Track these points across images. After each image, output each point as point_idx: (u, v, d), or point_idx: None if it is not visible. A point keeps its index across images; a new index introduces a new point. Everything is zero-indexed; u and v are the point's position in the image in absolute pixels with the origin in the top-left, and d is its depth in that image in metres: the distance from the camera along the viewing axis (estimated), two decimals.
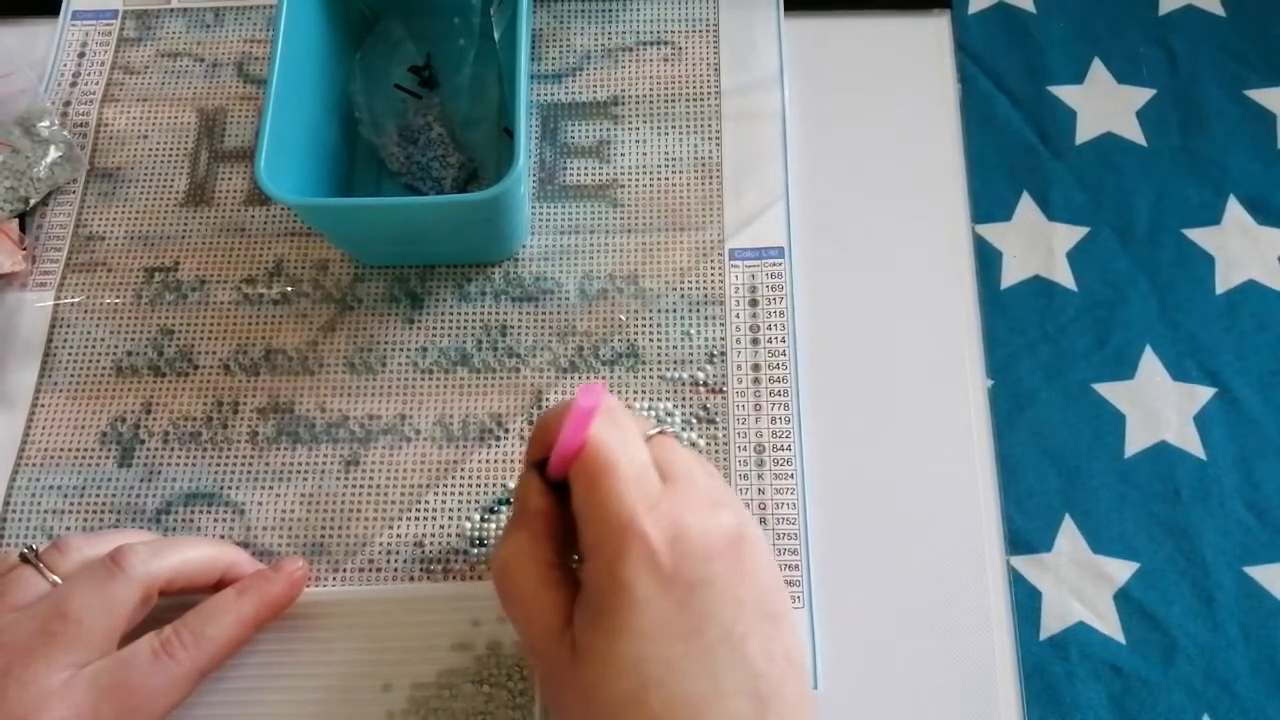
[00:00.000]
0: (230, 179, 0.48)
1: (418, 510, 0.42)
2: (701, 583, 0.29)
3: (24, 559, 0.35)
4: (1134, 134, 0.48)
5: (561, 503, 0.32)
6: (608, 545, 0.29)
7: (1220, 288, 0.46)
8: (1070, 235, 0.47)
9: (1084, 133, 0.49)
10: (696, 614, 0.29)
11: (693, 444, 0.42)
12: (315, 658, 0.38)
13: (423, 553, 0.41)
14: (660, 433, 0.34)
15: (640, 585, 0.29)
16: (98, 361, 0.45)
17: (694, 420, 0.43)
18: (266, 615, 0.37)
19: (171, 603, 0.36)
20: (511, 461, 0.42)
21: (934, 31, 0.50)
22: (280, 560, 0.39)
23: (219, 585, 0.37)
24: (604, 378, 0.44)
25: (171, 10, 0.52)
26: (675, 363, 0.44)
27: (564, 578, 0.32)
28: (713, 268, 0.45)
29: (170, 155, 0.49)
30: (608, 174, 0.47)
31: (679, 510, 0.30)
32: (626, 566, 0.29)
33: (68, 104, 0.50)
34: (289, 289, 0.46)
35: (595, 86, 0.49)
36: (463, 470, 0.42)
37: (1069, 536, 0.42)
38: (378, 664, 0.38)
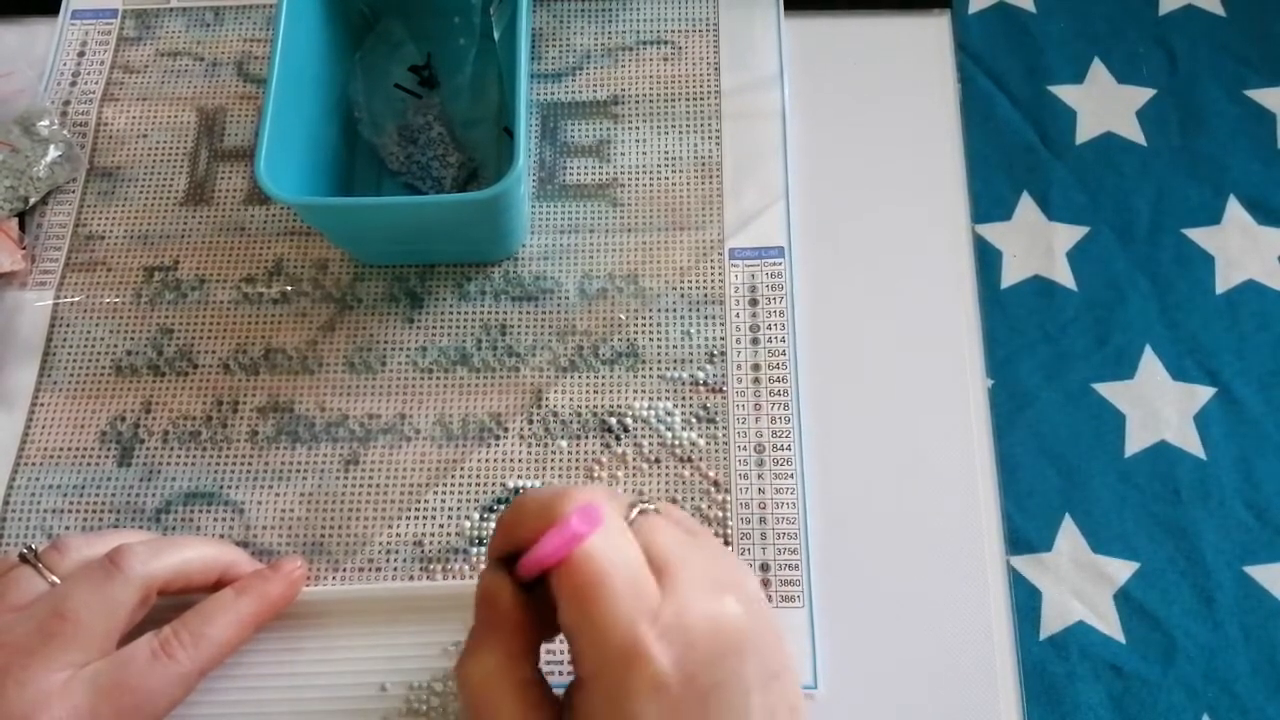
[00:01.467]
0: (230, 178, 0.48)
1: (417, 509, 0.42)
2: (714, 688, 0.27)
3: (23, 559, 0.35)
4: (1134, 134, 0.48)
5: (533, 597, 0.29)
6: (608, 674, 0.26)
7: (1220, 287, 0.46)
8: (1070, 235, 0.47)
9: (1084, 132, 0.49)
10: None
11: (692, 444, 0.42)
12: (314, 657, 0.38)
13: (422, 552, 0.41)
14: (641, 513, 0.30)
15: (649, 712, 0.26)
16: (97, 361, 0.45)
17: (694, 420, 0.43)
18: (266, 615, 0.37)
19: (170, 603, 0.36)
20: (511, 461, 0.42)
21: (934, 31, 0.50)
22: (279, 559, 0.39)
23: (218, 585, 0.37)
24: (603, 377, 0.44)
25: (171, 10, 0.52)
26: (675, 362, 0.44)
27: (544, 697, 0.29)
28: (713, 267, 0.45)
29: (170, 155, 0.49)
30: (607, 173, 0.47)
31: (683, 612, 0.27)
32: (634, 699, 0.26)
33: (67, 103, 0.50)
34: (289, 288, 0.46)
35: (595, 86, 0.49)
36: (462, 470, 0.42)
37: (1069, 536, 0.42)
38: (376, 663, 0.38)
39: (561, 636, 0.29)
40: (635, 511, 0.30)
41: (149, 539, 0.37)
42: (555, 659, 0.38)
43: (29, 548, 0.35)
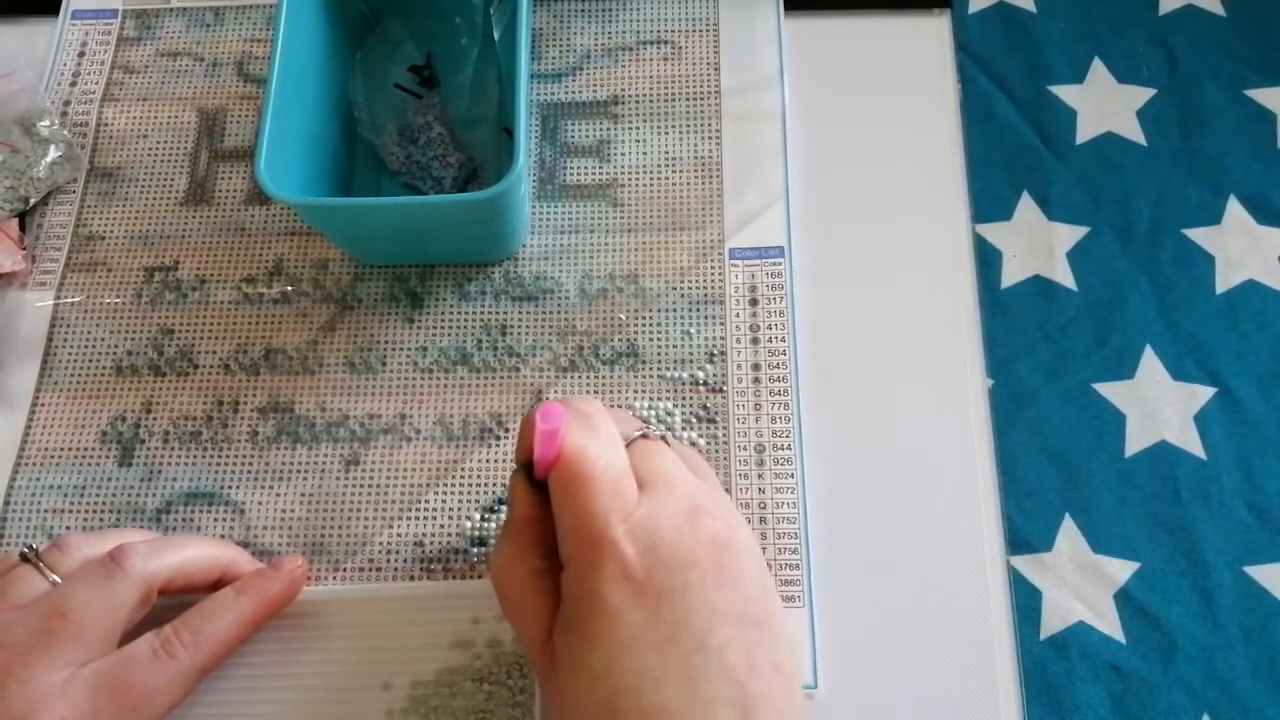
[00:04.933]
0: (230, 178, 0.48)
1: (418, 510, 0.42)
2: (674, 591, 0.29)
3: (24, 558, 0.35)
4: (1134, 134, 0.48)
5: (550, 504, 0.32)
6: (583, 556, 0.30)
7: (1220, 287, 0.46)
8: (1070, 235, 0.47)
9: (1084, 132, 0.49)
10: (670, 623, 0.29)
11: (693, 443, 0.42)
12: (315, 656, 0.38)
13: (423, 552, 0.41)
14: (643, 436, 0.34)
15: (613, 595, 0.29)
16: (98, 361, 0.45)
17: (694, 420, 0.43)
18: (266, 614, 0.37)
19: (171, 602, 0.36)
20: (511, 461, 0.42)
21: (934, 31, 0.50)
22: (280, 559, 0.39)
23: (218, 584, 0.37)
24: (604, 377, 0.44)
25: (171, 10, 0.52)
26: (675, 362, 0.44)
27: (552, 585, 0.32)
28: (713, 267, 0.45)
29: (170, 155, 0.49)
30: (608, 173, 0.47)
31: (654, 518, 0.30)
32: (600, 577, 0.29)
33: (67, 103, 0.50)
34: (289, 288, 0.46)
35: (595, 86, 0.49)
36: (463, 470, 0.42)
37: (1069, 536, 0.42)
38: (377, 662, 0.38)
39: None
40: (637, 433, 0.34)
41: (150, 538, 0.37)
42: None
43: (30, 547, 0.35)
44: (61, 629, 0.33)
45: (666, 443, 0.34)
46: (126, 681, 0.33)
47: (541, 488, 0.32)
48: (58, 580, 0.34)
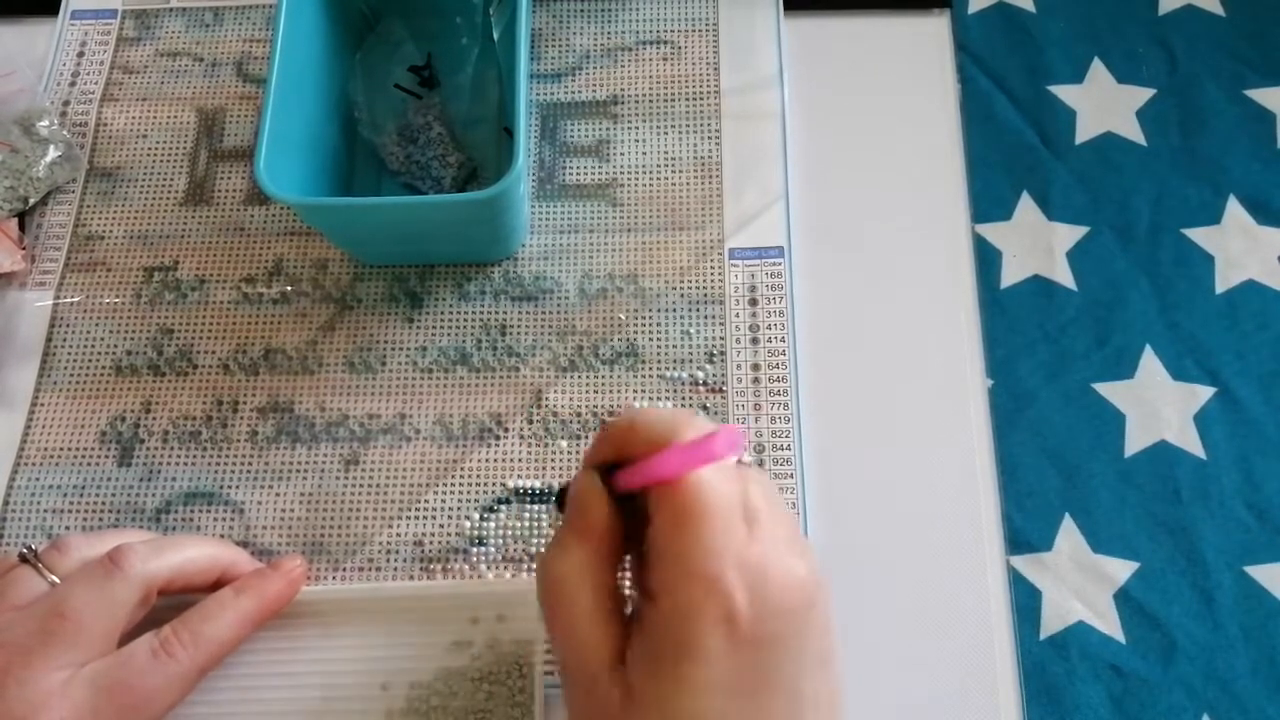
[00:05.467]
0: (230, 178, 0.48)
1: (417, 509, 0.42)
2: (774, 639, 0.28)
3: (23, 559, 0.35)
4: (1134, 134, 0.48)
5: (624, 513, 0.30)
6: (684, 593, 0.27)
7: (1220, 287, 0.46)
8: (1070, 235, 0.47)
9: (1084, 132, 0.49)
10: (764, 671, 0.28)
11: None
12: (313, 656, 0.38)
13: (422, 552, 0.41)
14: (740, 461, 0.31)
15: (712, 638, 0.27)
16: (97, 361, 0.45)
17: None
18: (266, 614, 0.37)
19: (170, 602, 0.36)
20: (511, 460, 0.42)
21: (934, 31, 0.50)
22: (279, 559, 0.39)
23: (217, 585, 0.37)
24: (603, 377, 0.44)
25: (171, 10, 0.52)
26: (675, 362, 0.44)
27: (620, 607, 0.30)
28: (712, 267, 0.45)
29: (169, 155, 0.49)
30: (607, 173, 0.47)
31: (765, 561, 0.28)
32: (702, 619, 0.27)
33: (67, 103, 0.50)
34: (289, 288, 0.46)
35: (595, 86, 0.49)
36: (462, 469, 0.42)
37: (1069, 536, 0.42)
38: (376, 662, 0.38)
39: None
40: (736, 459, 0.31)
41: (149, 538, 0.37)
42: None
43: (29, 548, 0.35)
44: (61, 629, 0.33)
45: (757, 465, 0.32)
46: (126, 682, 0.33)
47: (620, 498, 0.30)
48: (57, 581, 0.34)
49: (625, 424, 0.31)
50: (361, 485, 0.42)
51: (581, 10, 0.51)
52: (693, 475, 0.28)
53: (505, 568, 0.41)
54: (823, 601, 0.29)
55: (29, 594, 0.34)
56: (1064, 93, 0.49)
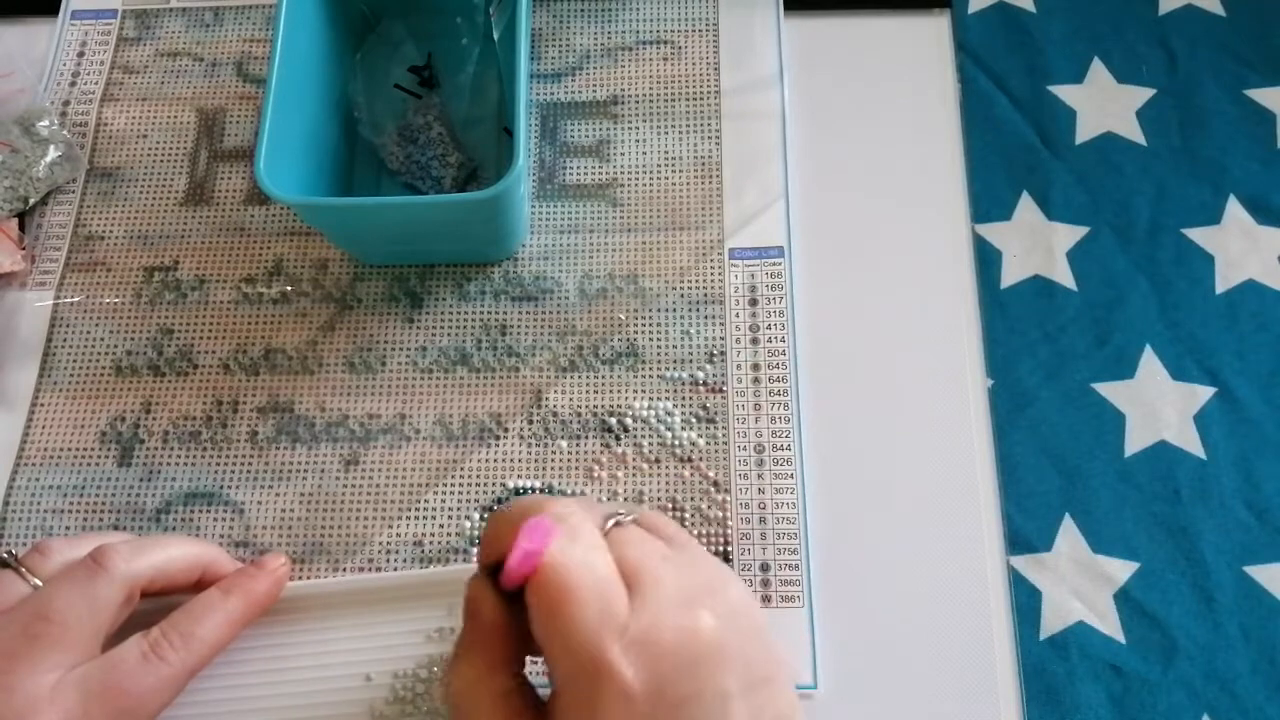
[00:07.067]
0: (230, 178, 0.48)
1: (417, 510, 0.42)
2: (685, 700, 0.27)
3: (3, 563, 0.34)
4: (1134, 134, 0.48)
5: (520, 607, 0.29)
6: (578, 683, 0.27)
7: (1220, 287, 0.46)
8: (1070, 235, 0.47)
9: (1084, 132, 0.49)
10: None
11: (693, 444, 0.42)
12: (296, 650, 0.38)
13: (422, 552, 0.41)
14: (616, 524, 0.30)
15: None
16: (97, 361, 0.45)
17: (694, 420, 0.43)
18: (253, 613, 0.37)
19: (153, 605, 0.36)
20: (511, 461, 0.42)
21: (934, 31, 0.50)
22: (262, 557, 0.39)
23: (199, 584, 0.37)
24: (603, 377, 0.44)
25: (171, 10, 0.52)
26: (675, 362, 0.44)
27: (524, 706, 0.29)
28: (712, 267, 0.45)
29: (170, 155, 0.49)
30: (607, 173, 0.47)
31: (651, 627, 0.27)
32: (599, 705, 0.26)
33: (67, 103, 0.50)
34: (289, 288, 0.46)
35: (595, 86, 0.49)
36: (462, 470, 0.42)
37: (1069, 536, 0.42)
38: (359, 654, 0.38)
39: None
40: (610, 523, 0.30)
41: (130, 539, 0.37)
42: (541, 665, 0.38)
43: (9, 552, 0.35)
44: (45, 632, 0.32)
45: (635, 520, 0.31)
46: (118, 685, 0.32)
47: (509, 593, 0.29)
48: (39, 584, 0.34)
49: (491, 523, 0.30)
50: (361, 485, 0.42)
51: (581, 10, 0.51)
52: (547, 562, 0.27)
53: None
54: (736, 639, 0.28)
55: (11, 598, 0.33)
56: (1064, 93, 0.49)
